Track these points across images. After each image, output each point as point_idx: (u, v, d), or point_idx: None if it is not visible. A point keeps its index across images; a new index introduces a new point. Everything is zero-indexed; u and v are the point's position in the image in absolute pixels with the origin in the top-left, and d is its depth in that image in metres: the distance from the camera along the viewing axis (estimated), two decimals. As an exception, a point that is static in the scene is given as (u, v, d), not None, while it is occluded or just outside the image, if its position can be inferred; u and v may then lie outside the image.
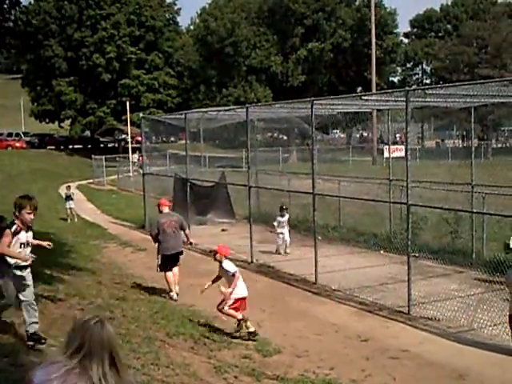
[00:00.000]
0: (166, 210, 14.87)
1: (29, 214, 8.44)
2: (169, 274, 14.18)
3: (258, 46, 66.36)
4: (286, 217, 19.10)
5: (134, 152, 50.57)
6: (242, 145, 23.94)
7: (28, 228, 8.60)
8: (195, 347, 10.31)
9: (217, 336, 11.13)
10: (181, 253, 14.68)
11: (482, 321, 11.63)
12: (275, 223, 19.03)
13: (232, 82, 66.04)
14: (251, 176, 19.76)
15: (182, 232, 14.81)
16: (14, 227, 8.43)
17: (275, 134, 66.20)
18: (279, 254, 18.79)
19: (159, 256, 14.46)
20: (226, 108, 26.93)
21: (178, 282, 14.42)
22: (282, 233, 18.92)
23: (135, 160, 49.95)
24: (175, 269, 14.43)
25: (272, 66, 65.96)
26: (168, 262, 14.22)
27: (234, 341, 10.99)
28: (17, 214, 8.45)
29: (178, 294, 14.15)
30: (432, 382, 9.39)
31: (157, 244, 14.53)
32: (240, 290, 11.71)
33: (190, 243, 15.26)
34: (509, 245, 11.05)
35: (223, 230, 23.23)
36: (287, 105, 20.63)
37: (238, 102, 54.47)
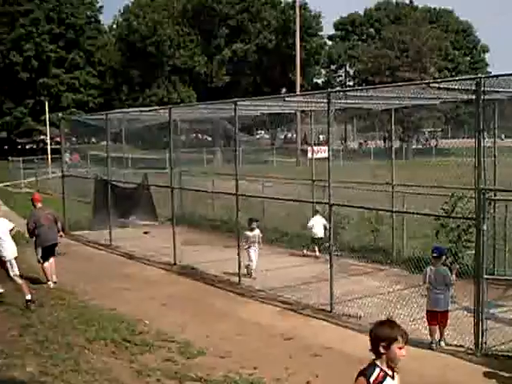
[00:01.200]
0: (39, 204, 15.58)
1: (400, 348, 5.30)
2: (46, 265, 15.01)
3: (181, 46, 65.88)
4: (257, 232, 15.99)
5: (54, 153, 49.24)
6: (165, 146, 23.72)
7: (393, 372, 5.40)
8: (116, 351, 10.13)
9: (139, 339, 10.94)
10: (56, 244, 15.48)
11: (401, 316, 11.83)
12: (244, 239, 15.82)
13: (155, 82, 65.35)
14: (174, 177, 19.59)
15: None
16: (375, 373, 5.35)
17: (199, 135, 65.91)
18: (249, 275, 15.78)
19: (38, 249, 15.08)
20: (149, 108, 26.61)
21: (55, 272, 15.17)
22: (248, 252, 15.81)
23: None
24: (51, 259, 15.20)
25: (196, 67, 65.64)
26: (46, 253, 14.98)
27: (156, 343, 10.85)
28: (382, 350, 5.31)
29: (55, 283, 14.96)
30: (353, 377, 9.47)
31: (34, 238, 15.29)
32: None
33: (61, 236, 15.89)
34: None
35: (146, 233, 22.90)
36: (211, 105, 20.55)
37: (162, 103, 53.90)
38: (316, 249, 17.85)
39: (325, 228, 17.26)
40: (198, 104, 26.44)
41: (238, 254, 15.24)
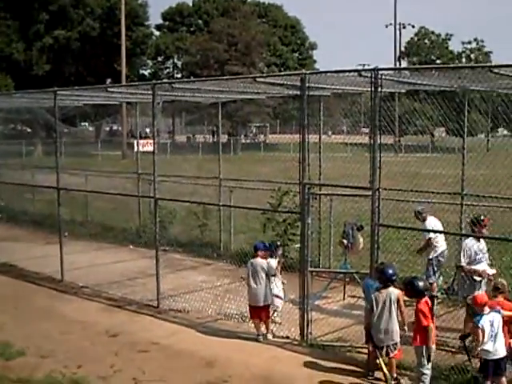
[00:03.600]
0: None
1: None
2: None
3: (-4, 31, 62.10)
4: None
5: None
6: (-21, 137, 22.31)
7: None
8: None
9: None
10: None
11: (229, 310, 12.07)
12: (271, 271, 11.08)
13: (-32, 68, 61.14)
14: (-11, 170, 18.54)
15: None
16: None
17: (18, 126, 62.69)
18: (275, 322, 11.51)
19: None
20: (-39, 96, 24.82)
21: None
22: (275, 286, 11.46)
23: None
24: None
25: (14, 54, 62.19)
26: None
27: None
28: None
29: None
30: (181, 372, 9.50)
31: None
32: None
33: None
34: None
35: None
36: (29, 95, 19.58)
37: (-24, 91, 50.62)
38: None
39: None
40: (15, 93, 24.97)
41: (61, 250, 14.74)
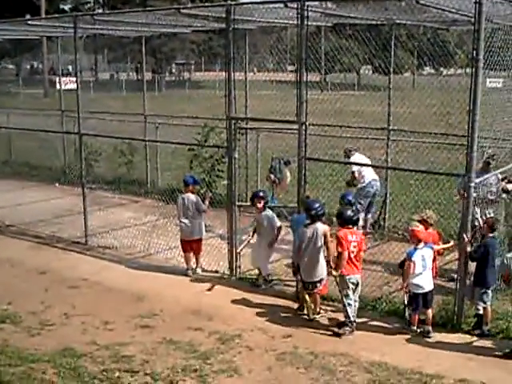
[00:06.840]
0: None
1: None
2: None
3: None
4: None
5: None
6: None
7: None
8: None
9: None
10: None
11: (158, 246, 12.15)
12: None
13: None
14: None
15: None
16: None
17: None
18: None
19: None
20: None
21: None
22: None
23: None
24: None
25: None
26: None
27: None
28: None
29: None
30: (112, 306, 9.55)
31: None
32: None
33: None
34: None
35: None
36: None
37: None
38: None
39: None
40: None
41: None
